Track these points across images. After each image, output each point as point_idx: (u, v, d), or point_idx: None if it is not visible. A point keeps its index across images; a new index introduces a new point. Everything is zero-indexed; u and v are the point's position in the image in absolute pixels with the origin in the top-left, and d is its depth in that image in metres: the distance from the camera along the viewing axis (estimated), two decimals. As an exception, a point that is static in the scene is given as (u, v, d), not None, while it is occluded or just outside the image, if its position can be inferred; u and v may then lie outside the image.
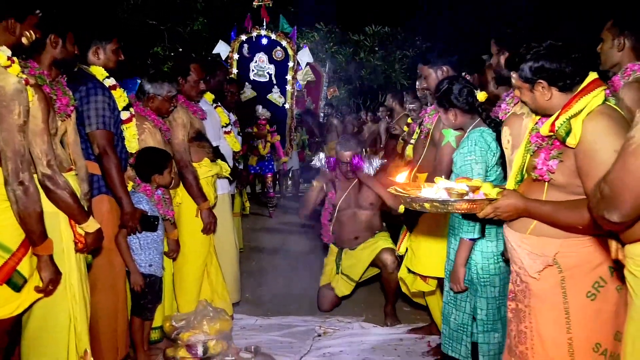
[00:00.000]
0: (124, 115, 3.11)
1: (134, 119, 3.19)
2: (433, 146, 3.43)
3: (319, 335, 3.95)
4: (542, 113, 2.07)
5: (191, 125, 3.66)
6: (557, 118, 1.96)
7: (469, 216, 2.31)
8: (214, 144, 3.96)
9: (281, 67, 7.94)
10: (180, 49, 12.03)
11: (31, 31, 2.29)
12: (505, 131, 2.44)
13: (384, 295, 4.39)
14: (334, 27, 13.87)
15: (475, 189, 2.02)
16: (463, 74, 3.66)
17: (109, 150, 2.93)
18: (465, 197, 1.97)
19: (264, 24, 7.92)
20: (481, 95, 3.15)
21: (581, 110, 1.89)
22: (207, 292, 3.72)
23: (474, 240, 2.87)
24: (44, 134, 2.29)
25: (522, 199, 1.99)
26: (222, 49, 8.00)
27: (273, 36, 7.90)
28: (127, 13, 12.50)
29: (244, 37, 7.96)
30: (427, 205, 1.96)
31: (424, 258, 3.49)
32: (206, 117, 3.92)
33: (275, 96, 8.31)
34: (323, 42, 13.82)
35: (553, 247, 1.98)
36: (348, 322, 4.21)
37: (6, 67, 2.15)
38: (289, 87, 8.04)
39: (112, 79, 3.09)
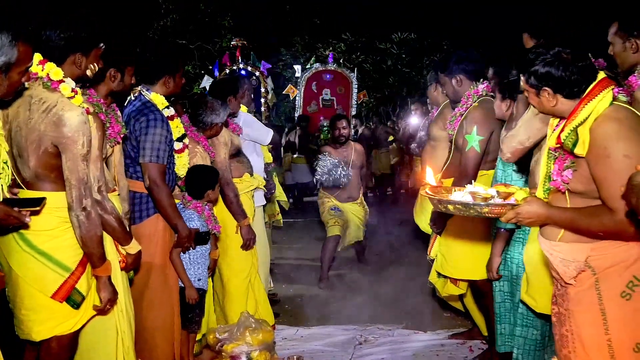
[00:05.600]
0: (177, 145, 3.21)
1: (186, 149, 3.28)
2: (457, 151, 3.44)
3: (360, 344, 3.98)
4: (552, 116, 2.06)
5: (231, 143, 3.75)
6: (562, 130, 1.94)
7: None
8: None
9: (256, 92, 9.49)
10: (210, 67, 12.29)
11: (95, 64, 2.40)
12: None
13: None
14: (360, 37, 13.91)
15: (507, 195, 2.02)
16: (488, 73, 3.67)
17: (159, 182, 3.02)
18: (489, 202, 1.98)
19: (239, 60, 9.73)
20: None
21: (587, 118, 1.86)
22: (252, 304, 3.79)
23: (508, 231, 2.92)
24: (97, 161, 2.40)
25: (544, 206, 1.95)
26: (207, 83, 9.10)
27: (249, 68, 9.79)
28: (157, 34, 12.83)
29: (227, 70, 9.60)
30: (450, 207, 1.99)
31: (456, 261, 3.49)
32: (242, 132, 4.02)
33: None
34: (350, 51, 13.89)
35: (583, 253, 1.95)
36: (388, 329, 4.23)
37: (70, 97, 2.25)
38: (263, 109, 9.76)
39: (171, 109, 3.19)
